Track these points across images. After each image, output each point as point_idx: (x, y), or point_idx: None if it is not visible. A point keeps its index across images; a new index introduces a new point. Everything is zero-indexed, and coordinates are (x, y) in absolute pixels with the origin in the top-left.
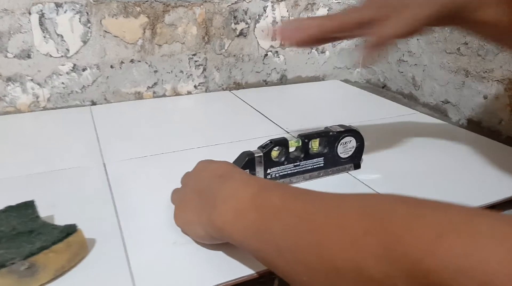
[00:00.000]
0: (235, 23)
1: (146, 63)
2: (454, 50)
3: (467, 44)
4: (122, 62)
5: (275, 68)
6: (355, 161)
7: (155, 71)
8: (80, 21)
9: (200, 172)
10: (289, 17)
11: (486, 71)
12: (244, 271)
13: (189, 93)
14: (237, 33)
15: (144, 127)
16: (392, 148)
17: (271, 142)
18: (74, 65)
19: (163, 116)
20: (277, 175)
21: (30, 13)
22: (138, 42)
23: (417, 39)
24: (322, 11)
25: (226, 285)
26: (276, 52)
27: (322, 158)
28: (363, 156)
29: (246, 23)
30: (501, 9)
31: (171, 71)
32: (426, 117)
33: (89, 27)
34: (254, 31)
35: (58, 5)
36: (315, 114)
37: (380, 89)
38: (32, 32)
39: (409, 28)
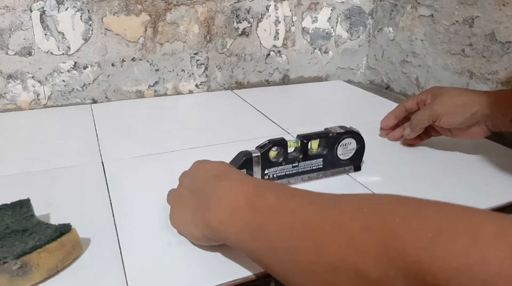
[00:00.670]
0: (237, 22)
1: (148, 61)
2: (458, 51)
3: (471, 45)
4: (123, 60)
5: (277, 67)
6: (355, 163)
7: (157, 70)
8: (81, 19)
9: (195, 171)
10: (292, 17)
11: (490, 73)
12: (240, 273)
13: (190, 92)
14: (240, 32)
15: (145, 126)
16: (394, 150)
17: (269, 142)
18: (75, 63)
19: (164, 115)
20: (275, 175)
21: (31, 10)
22: (140, 40)
23: (421, 40)
24: (325, 11)
25: None
26: (279, 51)
27: (321, 159)
28: (364, 158)
29: (249, 22)
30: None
31: (173, 70)
32: None
33: (90, 25)
34: (256, 30)
35: (59, 3)
36: (317, 114)
37: (384, 90)
38: (33, 29)
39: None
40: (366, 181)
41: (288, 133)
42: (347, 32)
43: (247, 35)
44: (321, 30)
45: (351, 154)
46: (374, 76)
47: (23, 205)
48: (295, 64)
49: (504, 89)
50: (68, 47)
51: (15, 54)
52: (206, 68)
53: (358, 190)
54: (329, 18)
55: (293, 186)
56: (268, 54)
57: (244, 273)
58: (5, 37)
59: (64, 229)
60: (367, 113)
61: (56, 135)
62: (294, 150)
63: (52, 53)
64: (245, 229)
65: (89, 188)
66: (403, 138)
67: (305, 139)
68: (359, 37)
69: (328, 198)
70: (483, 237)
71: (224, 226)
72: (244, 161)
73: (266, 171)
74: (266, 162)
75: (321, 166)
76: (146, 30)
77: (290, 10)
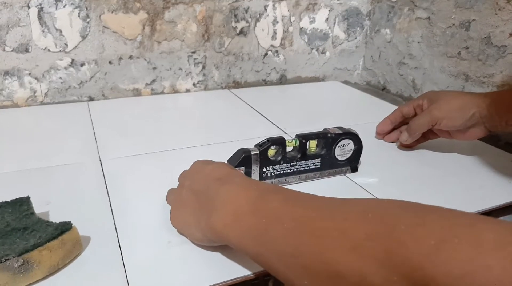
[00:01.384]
0: (235, 22)
1: (145, 59)
2: (455, 54)
3: (468, 48)
4: (120, 58)
5: (274, 67)
6: (352, 164)
7: (154, 68)
8: (79, 16)
9: (196, 173)
10: (290, 17)
11: (486, 76)
12: (239, 272)
13: (187, 91)
14: (237, 32)
15: (142, 124)
16: (391, 152)
17: (268, 140)
18: (72, 60)
19: (161, 113)
20: (272, 174)
21: (29, 7)
22: (137, 39)
23: (418, 42)
24: (323, 12)
25: None
26: (276, 51)
27: (319, 159)
28: (361, 159)
29: (247, 22)
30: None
31: (170, 69)
32: None
33: (88, 22)
34: (254, 30)
35: (57, 0)
36: (314, 115)
37: (380, 91)
38: (31, 26)
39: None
40: (363, 182)
41: (285, 133)
42: (345, 33)
43: (245, 35)
44: (318, 30)
45: (348, 155)
46: (370, 77)
47: (23, 203)
48: (293, 64)
49: (499, 91)
50: (65, 44)
51: (12, 50)
52: (203, 67)
53: (354, 191)
54: (327, 18)
55: (290, 185)
56: (266, 54)
57: (243, 272)
58: (2, 34)
59: (65, 227)
60: (363, 114)
61: (53, 133)
62: (293, 150)
63: (49, 50)
64: (250, 233)
65: (87, 186)
66: (399, 142)
67: (303, 138)
68: (356, 38)
69: (333, 203)
70: (484, 245)
71: (229, 230)
72: (243, 159)
73: (264, 169)
74: (265, 160)
75: (319, 166)
76: (144, 28)
77: (288, 10)
